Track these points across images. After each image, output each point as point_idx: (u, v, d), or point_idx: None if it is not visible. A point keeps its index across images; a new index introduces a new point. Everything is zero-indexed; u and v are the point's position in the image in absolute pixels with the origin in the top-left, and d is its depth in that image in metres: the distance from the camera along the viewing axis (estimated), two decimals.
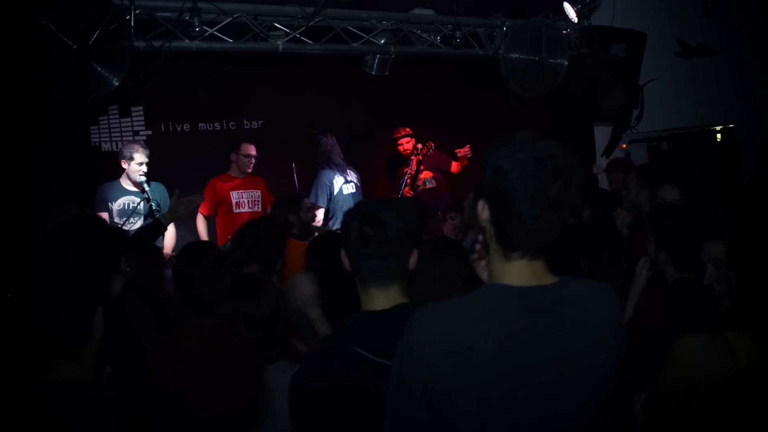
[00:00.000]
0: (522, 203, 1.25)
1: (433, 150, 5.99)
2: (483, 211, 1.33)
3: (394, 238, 1.63)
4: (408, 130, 6.10)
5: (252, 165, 5.20)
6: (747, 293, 1.57)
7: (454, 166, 5.99)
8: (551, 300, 1.28)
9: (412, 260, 1.69)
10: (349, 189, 5.52)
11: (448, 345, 1.22)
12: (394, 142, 6.13)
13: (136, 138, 5.63)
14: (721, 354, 1.54)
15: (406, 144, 6.05)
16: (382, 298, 1.65)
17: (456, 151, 5.90)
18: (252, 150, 5.19)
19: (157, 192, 4.62)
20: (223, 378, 1.25)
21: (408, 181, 6.00)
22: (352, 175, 5.60)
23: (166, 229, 3.76)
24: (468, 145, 5.82)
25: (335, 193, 5.47)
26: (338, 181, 5.47)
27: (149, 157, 4.64)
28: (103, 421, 1.34)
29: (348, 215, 1.71)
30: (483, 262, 1.52)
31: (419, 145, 6.02)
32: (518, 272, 1.30)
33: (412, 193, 5.98)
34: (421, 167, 6.02)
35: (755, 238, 1.56)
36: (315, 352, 1.73)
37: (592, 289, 1.35)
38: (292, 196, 4.37)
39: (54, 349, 1.55)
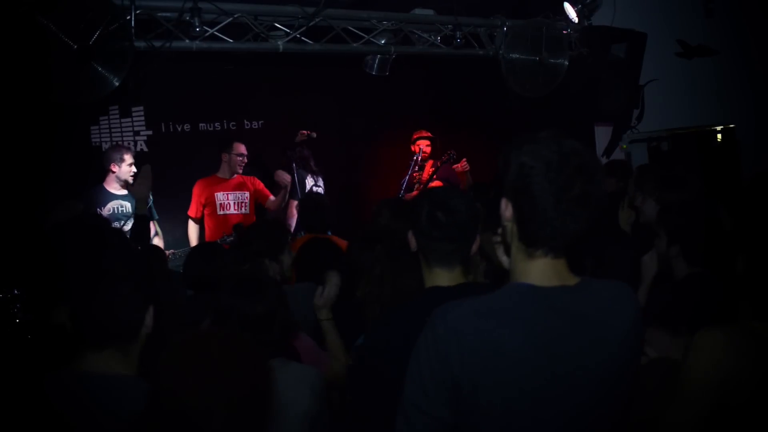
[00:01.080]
0: (548, 199, 1.25)
1: (454, 157, 5.89)
2: (506, 209, 1.33)
3: (465, 223, 1.74)
4: (428, 133, 6.08)
5: (243, 165, 5.18)
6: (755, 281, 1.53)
7: (461, 185, 5.94)
8: (575, 301, 1.28)
9: (475, 246, 1.79)
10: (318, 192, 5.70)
11: (475, 343, 1.23)
12: (412, 143, 6.05)
13: (137, 138, 5.63)
14: (752, 346, 1.47)
15: (425, 147, 6.01)
16: (445, 278, 1.76)
17: (454, 167, 5.86)
18: (243, 149, 5.18)
19: None
20: (233, 388, 1.24)
21: (418, 186, 5.94)
22: (320, 182, 5.80)
23: (147, 217, 3.68)
24: (464, 159, 5.81)
25: (305, 191, 5.68)
26: (309, 182, 5.72)
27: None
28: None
29: (417, 201, 1.83)
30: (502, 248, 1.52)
31: (426, 162, 6.00)
32: (541, 271, 1.30)
33: None
34: (434, 176, 5.94)
35: (760, 226, 1.53)
36: (380, 324, 1.79)
37: (612, 289, 1.35)
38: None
39: (106, 343, 1.62)
